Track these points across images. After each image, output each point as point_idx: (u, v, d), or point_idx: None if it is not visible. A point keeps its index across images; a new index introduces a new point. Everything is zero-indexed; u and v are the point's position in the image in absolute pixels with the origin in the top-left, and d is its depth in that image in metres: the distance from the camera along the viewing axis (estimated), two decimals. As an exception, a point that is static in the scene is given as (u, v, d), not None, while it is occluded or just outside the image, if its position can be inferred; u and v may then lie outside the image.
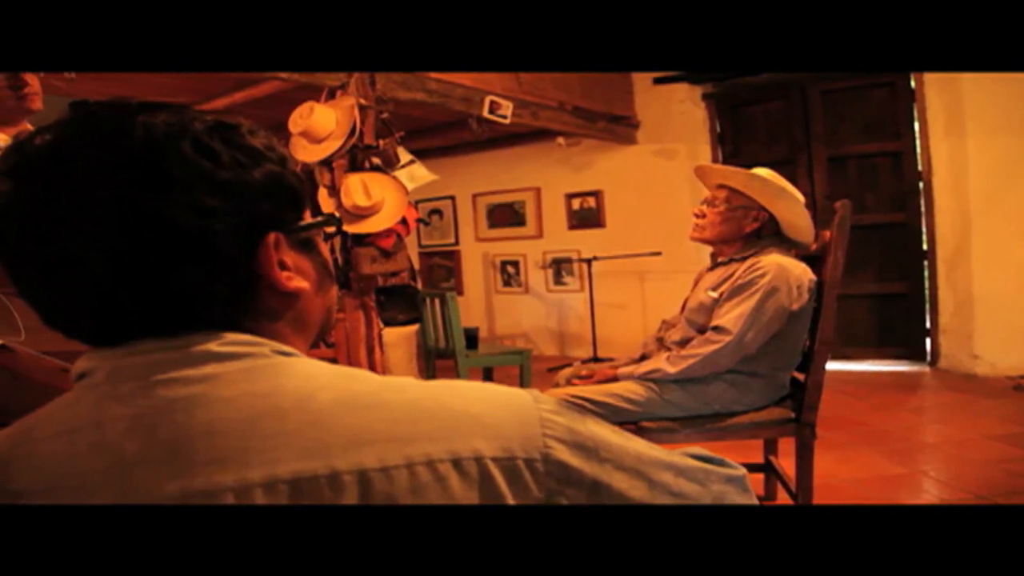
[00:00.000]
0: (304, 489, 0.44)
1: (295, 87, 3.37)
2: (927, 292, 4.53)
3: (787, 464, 2.18)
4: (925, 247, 4.51)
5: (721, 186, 2.09)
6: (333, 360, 2.94)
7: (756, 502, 0.61)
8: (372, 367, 3.31)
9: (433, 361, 4.14)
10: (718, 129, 5.21)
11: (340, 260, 3.23)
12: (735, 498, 0.58)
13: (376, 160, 3.22)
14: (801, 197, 2.02)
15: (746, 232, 2.06)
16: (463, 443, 0.48)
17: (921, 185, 4.47)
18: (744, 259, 2.02)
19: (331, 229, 0.61)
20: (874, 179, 4.66)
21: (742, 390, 1.97)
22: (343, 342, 3.38)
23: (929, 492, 2.47)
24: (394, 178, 3.20)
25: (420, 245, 6.82)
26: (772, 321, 1.89)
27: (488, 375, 4.28)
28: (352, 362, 3.31)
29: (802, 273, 1.93)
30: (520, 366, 4.00)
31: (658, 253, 4.96)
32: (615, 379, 2.06)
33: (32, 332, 1.32)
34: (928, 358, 4.56)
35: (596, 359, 4.87)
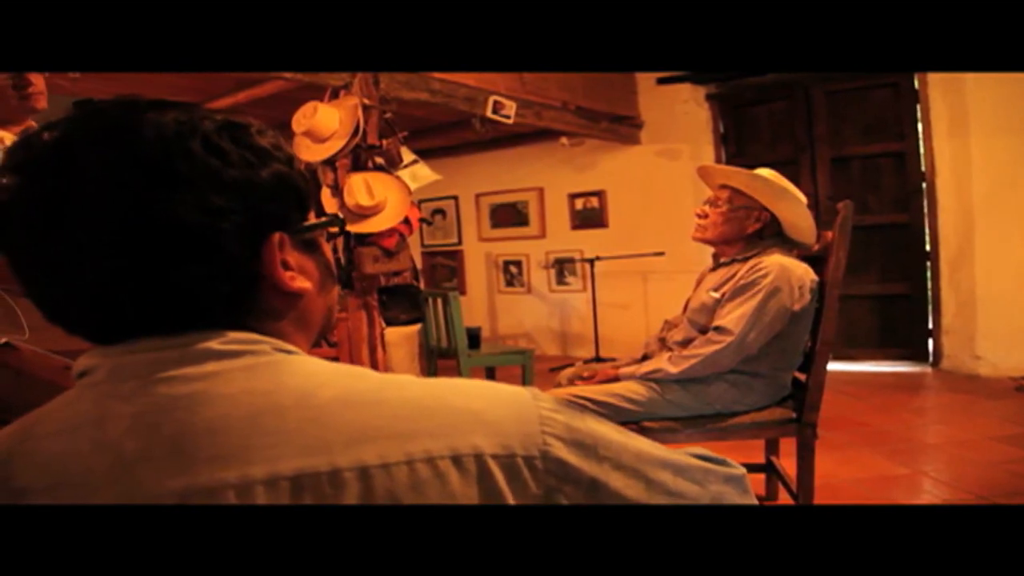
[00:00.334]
0: (305, 486, 0.44)
1: (299, 87, 3.37)
2: (929, 293, 4.52)
3: (788, 464, 2.18)
4: (928, 248, 4.50)
5: (724, 186, 2.09)
6: (335, 359, 2.94)
7: (755, 502, 0.61)
8: (374, 366, 3.31)
9: (435, 361, 4.14)
10: (721, 129, 5.21)
11: (343, 259, 3.24)
12: (734, 498, 0.58)
13: (379, 160, 3.22)
14: (803, 197, 2.03)
15: (748, 232, 2.06)
16: (463, 440, 0.48)
17: (924, 186, 4.46)
18: (746, 259, 2.02)
19: (335, 230, 0.61)
20: (877, 180, 4.66)
21: (743, 390, 1.97)
22: (346, 341, 3.39)
23: (930, 493, 2.47)
24: (397, 178, 3.20)
25: (423, 245, 6.81)
26: (774, 322, 1.89)
27: (490, 375, 4.28)
28: (355, 361, 3.31)
29: (804, 273, 1.93)
30: (522, 366, 4.00)
31: (661, 253, 4.96)
32: (617, 379, 2.06)
33: (36, 331, 1.32)
34: (930, 359, 4.55)
35: (598, 359, 4.86)
